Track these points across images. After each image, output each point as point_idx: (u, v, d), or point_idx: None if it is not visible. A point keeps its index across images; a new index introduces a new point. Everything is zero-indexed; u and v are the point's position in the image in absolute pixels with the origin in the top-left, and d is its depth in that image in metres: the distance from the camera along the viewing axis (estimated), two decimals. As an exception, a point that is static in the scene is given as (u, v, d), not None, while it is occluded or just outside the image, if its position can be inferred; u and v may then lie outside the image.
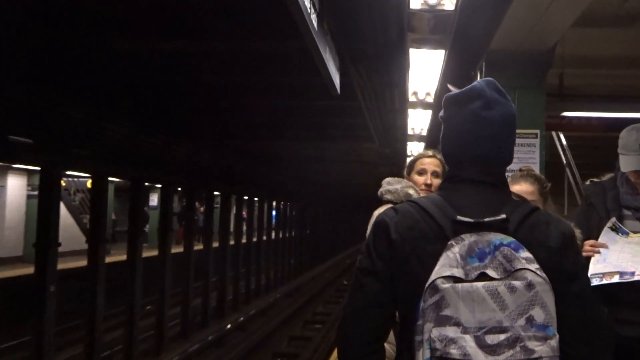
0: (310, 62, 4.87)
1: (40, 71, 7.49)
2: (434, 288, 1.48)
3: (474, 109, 1.69)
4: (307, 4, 4.02)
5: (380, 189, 3.41)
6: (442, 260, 1.52)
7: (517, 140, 4.73)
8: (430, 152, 3.43)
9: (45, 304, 8.93)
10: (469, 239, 1.54)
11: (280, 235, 25.22)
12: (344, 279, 26.34)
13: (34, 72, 7.49)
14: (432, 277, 1.50)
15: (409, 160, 3.54)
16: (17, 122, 7.99)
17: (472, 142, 1.69)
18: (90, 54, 6.74)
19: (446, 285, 1.48)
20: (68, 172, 14.61)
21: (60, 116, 8.51)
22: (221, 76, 7.74)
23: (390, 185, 3.37)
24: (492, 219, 1.57)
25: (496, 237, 1.54)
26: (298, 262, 27.16)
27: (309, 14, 4.09)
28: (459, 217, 1.59)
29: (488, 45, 4.64)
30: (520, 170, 3.14)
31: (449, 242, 1.55)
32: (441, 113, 1.77)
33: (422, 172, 3.36)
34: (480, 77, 4.85)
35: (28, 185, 17.25)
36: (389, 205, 3.43)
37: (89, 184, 16.25)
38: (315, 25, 4.35)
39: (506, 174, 1.81)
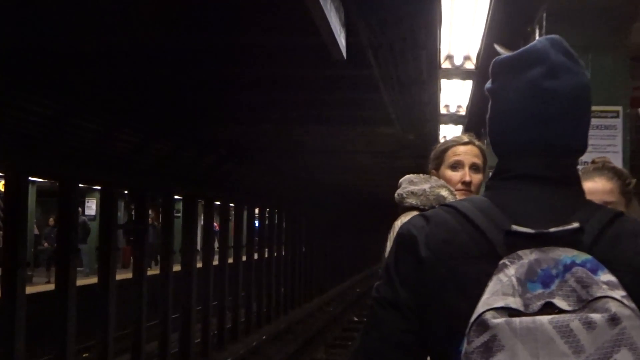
0: (304, 15, 4.84)
1: None
2: (482, 324, 1.43)
3: (533, 78, 1.66)
4: None
5: (399, 191, 3.37)
6: (492, 285, 1.47)
7: (592, 121, 4.73)
8: (465, 138, 3.37)
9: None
10: (528, 256, 1.50)
11: (266, 255, 25.20)
12: (353, 315, 26.39)
13: None
14: (479, 309, 1.45)
15: (436, 149, 3.47)
16: None
17: (531, 123, 1.66)
18: None
19: (499, 320, 1.43)
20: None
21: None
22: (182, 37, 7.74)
23: (414, 184, 3.33)
24: (561, 229, 1.52)
25: (566, 255, 1.49)
26: (290, 291, 27.15)
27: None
28: (515, 227, 1.54)
29: (551, -10, 4.60)
30: (594, 162, 3.10)
31: (502, 262, 1.50)
32: (488, 84, 1.73)
33: (456, 166, 3.33)
34: (540, 35, 4.80)
35: None
36: (414, 213, 3.39)
37: (0, 185, 16.24)
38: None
39: (578, 167, 1.78)
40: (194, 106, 11.61)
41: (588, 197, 2.81)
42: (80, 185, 13.27)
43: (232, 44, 8.11)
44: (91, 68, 9.18)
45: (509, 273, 1.47)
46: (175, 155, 14.73)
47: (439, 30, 6.15)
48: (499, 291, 1.46)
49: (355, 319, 25.54)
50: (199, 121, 12.99)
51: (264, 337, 20.62)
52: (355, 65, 7.05)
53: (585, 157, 4.48)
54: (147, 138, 13.14)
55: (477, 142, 3.34)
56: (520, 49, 1.70)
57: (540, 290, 1.46)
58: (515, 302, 1.44)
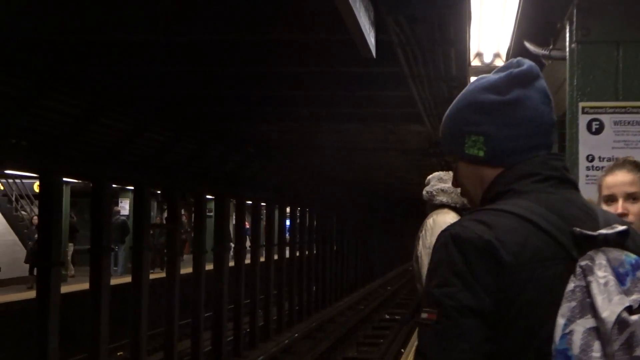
0: (333, 13, 4.82)
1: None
2: (623, 323, 1.47)
3: (542, 88, 1.75)
4: None
5: (428, 188, 3.35)
6: (597, 287, 1.51)
7: (622, 117, 4.66)
8: None
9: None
10: (600, 258, 1.54)
11: (297, 253, 25.19)
12: (385, 312, 26.29)
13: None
14: (615, 309, 1.48)
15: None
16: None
17: (547, 128, 1.75)
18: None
19: (635, 317, 1.48)
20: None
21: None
22: (206, 33, 7.73)
23: (444, 182, 3.31)
24: (614, 231, 1.58)
25: (624, 255, 1.56)
26: (321, 290, 27.11)
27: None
28: (579, 230, 1.59)
29: (581, -14, 4.54)
30: (616, 160, 3.07)
31: (580, 263, 1.54)
32: (497, 96, 1.76)
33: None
34: (571, 29, 4.74)
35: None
36: (446, 211, 3.38)
37: (36, 186, 16.41)
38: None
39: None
40: (223, 104, 11.61)
41: (610, 190, 2.87)
42: (113, 185, 13.33)
43: (261, 41, 8.10)
44: (120, 67, 9.21)
45: (601, 274, 1.51)
46: (205, 154, 14.77)
47: (468, 27, 6.09)
48: (614, 291, 1.50)
49: (387, 316, 25.44)
50: (227, 119, 12.98)
51: (296, 335, 20.60)
52: (384, 62, 7.02)
53: (618, 153, 4.45)
54: (176, 137, 13.19)
55: None
56: (518, 68, 1.76)
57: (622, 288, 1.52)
58: (632, 301, 1.50)
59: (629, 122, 4.59)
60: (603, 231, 1.57)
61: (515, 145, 1.74)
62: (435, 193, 3.32)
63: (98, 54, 8.68)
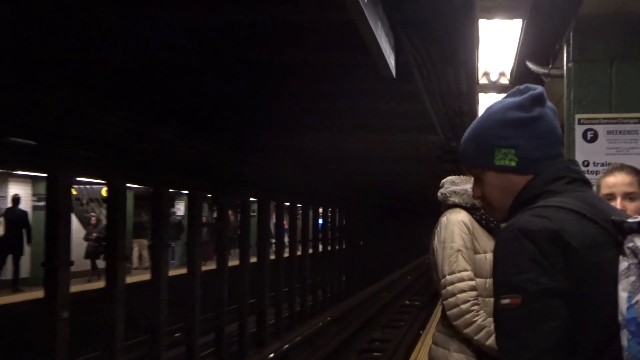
0: (357, 37, 4.77)
1: (52, 67, 7.66)
2: None
3: (552, 106, 1.85)
4: (353, -32, 3.92)
5: (442, 190, 3.29)
6: None
7: (615, 127, 4.59)
8: None
9: (56, 333, 9.01)
10: (637, 242, 1.60)
11: (329, 248, 25.23)
12: (406, 299, 26.23)
13: (46, 68, 7.66)
14: None
15: None
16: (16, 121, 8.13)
17: (560, 139, 1.85)
18: (82, 27, 6.83)
19: None
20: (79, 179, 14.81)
21: (60, 112, 8.64)
22: (246, 55, 7.68)
23: (456, 185, 3.26)
24: (636, 220, 1.64)
25: None
26: (349, 280, 27.11)
27: (356, -20, 3.99)
28: (617, 219, 1.67)
29: (577, 10, 4.44)
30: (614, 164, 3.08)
31: (626, 246, 1.60)
32: (521, 113, 1.81)
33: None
34: (568, 50, 4.65)
35: (33, 195, 17.59)
36: (458, 210, 3.32)
37: (104, 191, 16.54)
38: (364, -7, 4.25)
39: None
40: (260, 117, 11.59)
41: (610, 189, 2.95)
42: (169, 190, 13.38)
43: (303, 63, 8.07)
44: (170, 87, 9.23)
45: None
46: (248, 163, 14.80)
47: (476, 49, 6.02)
48: None
49: (407, 302, 25.38)
50: (266, 133, 12.97)
51: (328, 318, 20.56)
52: (403, 81, 6.93)
53: (609, 159, 4.40)
54: (222, 149, 13.21)
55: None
56: (534, 90, 1.84)
57: None
58: None
59: (620, 132, 4.60)
60: (630, 220, 1.64)
61: (541, 154, 1.79)
62: (448, 194, 3.28)
63: (150, 76, 8.70)
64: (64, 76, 8.13)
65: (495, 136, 1.80)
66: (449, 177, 3.34)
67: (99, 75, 8.39)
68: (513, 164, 1.78)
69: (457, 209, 3.23)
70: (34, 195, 17.59)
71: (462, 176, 3.33)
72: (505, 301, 1.61)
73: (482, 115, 1.90)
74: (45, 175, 9.65)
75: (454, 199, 3.24)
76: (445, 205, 3.28)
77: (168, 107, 10.20)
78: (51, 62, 7.67)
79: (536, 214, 1.67)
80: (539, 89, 1.83)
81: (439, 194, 3.30)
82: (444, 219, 3.23)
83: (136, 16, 6.32)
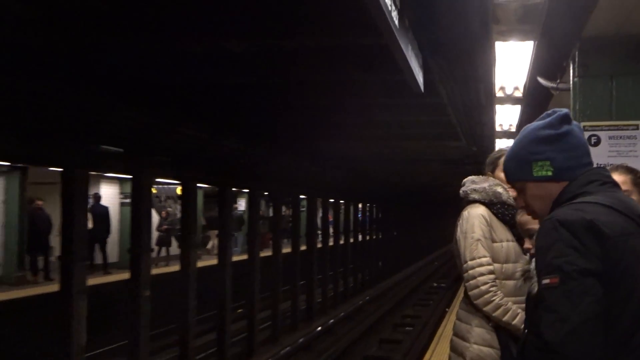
0: (391, 59, 4.75)
1: (131, 88, 7.77)
2: None
3: (577, 123, 1.89)
4: (388, 0, 3.91)
5: (463, 188, 3.27)
6: None
7: (615, 133, 4.51)
8: None
9: (140, 308, 9.17)
10: None
11: (367, 238, 25.20)
12: (434, 282, 26.06)
13: (127, 90, 7.78)
14: None
15: (491, 156, 3.36)
16: (107, 132, 8.27)
17: (588, 150, 1.87)
18: (163, 58, 6.91)
19: None
20: (157, 180, 15.02)
21: (143, 125, 8.76)
22: (296, 75, 7.71)
23: (476, 184, 3.23)
24: None
25: None
26: (384, 265, 27.04)
27: (390, 11, 3.98)
28: None
29: (581, 33, 4.37)
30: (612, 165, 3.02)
31: None
32: (551, 132, 1.85)
33: None
34: (574, 67, 4.58)
35: (120, 193, 17.90)
36: (477, 205, 3.30)
37: (178, 190, 16.76)
38: (396, 22, 4.23)
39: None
40: (310, 129, 11.62)
41: None
42: (233, 189, 13.49)
43: (339, 80, 8.08)
44: (232, 101, 9.31)
45: None
46: (299, 167, 14.86)
47: (493, 67, 5.96)
48: None
49: (434, 284, 25.19)
50: (314, 141, 13.01)
51: (367, 298, 20.52)
52: (430, 95, 6.90)
53: (612, 160, 4.33)
54: (277, 154, 13.28)
55: None
56: (561, 112, 1.88)
57: None
58: None
59: (620, 137, 4.57)
60: None
61: (574, 163, 1.83)
62: (469, 192, 3.26)
63: (217, 94, 8.78)
64: (146, 96, 8.24)
65: (531, 152, 1.84)
66: (470, 177, 3.32)
67: (174, 95, 8.50)
68: (549, 173, 1.81)
69: (477, 204, 3.21)
70: (121, 193, 17.89)
71: (481, 176, 3.31)
72: (546, 281, 1.61)
73: (518, 138, 1.94)
74: (131, 177, 9.78)
75: (474, 196, 3.21)
76: (467, 201, 3.25)
77: (232, 121, 10.29)
78: (135, 84, 7.79)
79: (572, 208, 1.69)
80: (565, 110, 1.87)
81: (461, 191, 3.28)
82: (465, 213, 3.20)
83: (207, 46, 6.38)
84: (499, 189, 3.17)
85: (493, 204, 3.17)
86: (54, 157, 7.99)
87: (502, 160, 3.24)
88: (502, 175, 3.22)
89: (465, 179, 3.29)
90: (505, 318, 2.98)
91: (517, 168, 1.89)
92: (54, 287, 9.37)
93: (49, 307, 9.50)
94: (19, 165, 13.34)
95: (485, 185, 3.19)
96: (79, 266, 7.99)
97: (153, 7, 5.55)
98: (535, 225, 2.51)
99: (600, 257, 1.58)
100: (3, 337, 10.01)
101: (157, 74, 7.41)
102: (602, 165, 4.43)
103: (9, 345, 10.10)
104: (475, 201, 3.20)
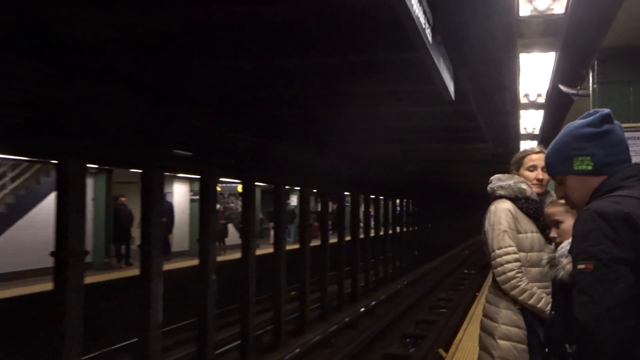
0: (425, 71, 4.68)
1: (199, 100, 7.89)
2: None
3: (619, 123, 1.81)
4: (422, 20, 3.86)
5: (491, 185, 3.21)
6: None
7: (632, 134, 4.34)
8: (537, 149, 3.20)
9: (207, 290, 9.29)
10: None
11: (405, 230, 25.03)
12: (465, 268, 25.73)
13: (196, 102, 7.90)
14: None
15: (516, 156, 3.27)
16: (178, 138, 8.40)
17: (627, 148, 1.80)
18: (226, 75, 6.98)
19: None
20: (221, 179, 15.21)
21: (209, 131, 8.86)
22: (342, 87, 7.69)
23: (502, 181, 3.17)
24: None
25: None
26: (420, 254, 26.81)
27: (424, 29, 3.92)
28: None
29: (600, 44, 4.22)
30: None
31: None
32: (593, 130, 1.78)
33: (532, 168, 3.13)
34: (593, 75, 4.43)
35: (190, 191, 18.20)
36: (503, 200, 3.23)
37: (239, 188, 16.94)
38: (430, 39, 4.17)
39: None
40: (354, 135, 11.59)
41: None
42: (286, 187, 13.56)
43: (379, 91, 8.03)
44: (287, 112, 9.35)
45: None
46: (340, 167, 14.85)
47: (518, 76, 5.81)
48: None
49: (465, 271, 24.87)
50: (355, 145, 12.99)
51: (405, 282, 20.38)
52: (460, 102, 6.79)
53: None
54: (322, 157, 13.29)
55: (545, 151, 3.16)
56: (603, 112, 1.81)
57: None
58: None
59: (637, 138, 4.39)
60: None
61: (613, 159, 1.76)
62: (496, 188, 3.20)
63: (271, 105, 8.84)
64: (211, 107, 8.36)
65: (573, 148, 1.79)
66: (496, 175, 3.26)
67: (235, 106, 8.59)
68: (589, 168, 1.76)
69: (503, 200, 3.15)
70: (190, 191, 18.18)
71: (506, 174, 3.24)
72: (581, 266, 1.57)
73: (561, 134, 1.88)
74: (198, 177, 9.93)
75: (501, 192, 3.16)
76: (494, 197, 3.20)
77: (285, 128, 10.35)
78: (203, 97, 7.90)
79: (610, 200, 1.64)
80: (607, 110, 1.82)
81: (488, 188, 3.22)
82: (493, 207, 3.15)
83: (257, 63, 6.40)
84: (523, 186, 3.10)
85: (518, 199, 3.11)
86: (134, 160, 8.15)
87: (527, 159, 3.16)
88: (526, 173, 3.15)
89: (493, 177, 3.23)
90: (531, 301, 2.92)
91: (559, 162, 1.84)
92: (134, 272, 9.55)
93: (130, 288, 9.71)
94: (105, 167, 13.69)
95: (511, 182, 3.12)
96: (155, 253, 8.14)
97: (223, 36, 5.62)
98: (561, 216, 2.43)
99: (634, 247, 1.52)
100: (97, 312, 10.29)
101: (222, 89, 7.50)
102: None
103: (100, 318, 10.42)
104: (501, 197, 3.14)
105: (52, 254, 6.63)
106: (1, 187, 12.22)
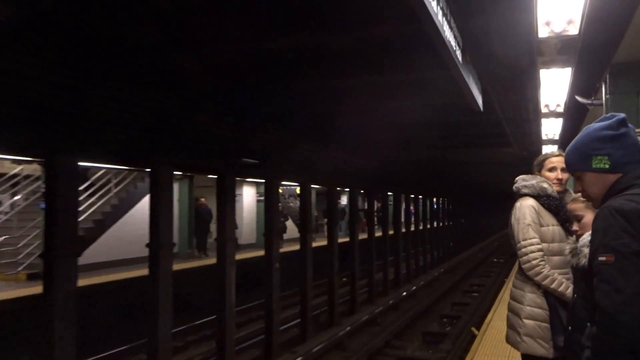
0: (456, 86, 4.68)
1: (265, 117, 8.07)
2: None
3: (632, 126, 1.78)
4: (453, 43, 3.88)
5: (516, 185, 3.20)
6: None
7: (641, 139, 4.22)
8: (557, 152, 3.17)
9: (272, 277, 9.44)
10: None
11: (441, 224, 24.69)
12: (494, 258, 25.15)
13: (262, 119, 8.09)
14: None
15: (538, 159, 3.25)
16: (247, 148, 8.59)
17: (639, 149, 1.75)
18: (290, 94, 7.11)
19: None
20: (283, 182, 15.43)
21: (272, 142, 9.01)
22: (385, 103, 7.70)
23: (526, 181, 3.16)
24: None
25: None
26: (455, 245, 26.36)
27: (454, 51, 3.94)
28: None
29: (611, 60, 4.13)
30: None
31: None
32: (611, 132, 1.74)
33: (552, 170, 3.10)
34: (605, 87, 4.34)
35: (257, 193, 18.53)
36: (528, 198, 3.22)
37: (298, 190, 17.12)
38: (460, 59, 4.17)
39: None
40: (394, 141, 11.53)
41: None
42: (337, 188, 13.64)
43: (419, 104, 7.99)
44: (337, 123, 9.42)
45: None
46: (386, 170, 14.78)
47: (539, 89, 5.72)
48: None
49: (494, 260, 24.30)
50: (403, 149, 12.91)
51: (441, 270, 20.12)
52: (487, 113, 6.71)
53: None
54: (371, 162, 13.27)
55: (563, 154, 3.14)
56: (620, 116, 1.75)
57: None
58: None
59: None
60: None
61: (628, 159, 1.72)
62: (520, 187, 3.18)
63: (329, 119, 8.89)
64: (277, 122, 8.50)
65: (592, 148, 1.75)
66: (521, 176, 3.24)
67: (295, 120, 8.70)
68: (607, 166, 1.72)
69: (527, 197, 3.14)
70: (257, 193, 18.50)
71: (529, 175, 3.22)
72: (602, 258, 1.54)
73: (581, 134, 1.83)
74: (263, 181, 10.09)
75: (525, 191, 3.15)
76: (519, 195, 3.18)
77: (338, 138, 10.37)
78: (268, 114, 8.05)
79: (626, 198, 1.60)
80: (622, 115, 1.78)
81: (514, 187, 3.21)
82: (518, 204, 3.14)
83: (316, 84, 6.51)
84: (545, 185, 3.08)
85: (540, 197, 3.09)
86: (212, 167, 8.39)
87: (547, 162, 3.14)
88: (547, 173, 3.13)
89: (517, 177, 3.22)
90: (553, 285, 2.90)
91: (578, 160, 1.79)
92: (212, 261, 9.83)
93: (209, 274, 9.99)
94: (188, 174, 14.13)
95: (534, 182, 3.10)
96: (229, 245, 8.34)
97: (290, 64, 5.76)
98: (581, 212, 2.42)
99: None
100: (187, 293, 10.71)
101: (286, 106, 7.64)
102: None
103: (191, 296, 10.83)
104: (525, 195, 3.13)
105: (147, 245, 6.92)
106: (108, 191, 12.81)
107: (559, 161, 3.08)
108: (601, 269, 1.55)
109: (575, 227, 2.50)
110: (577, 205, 2.46)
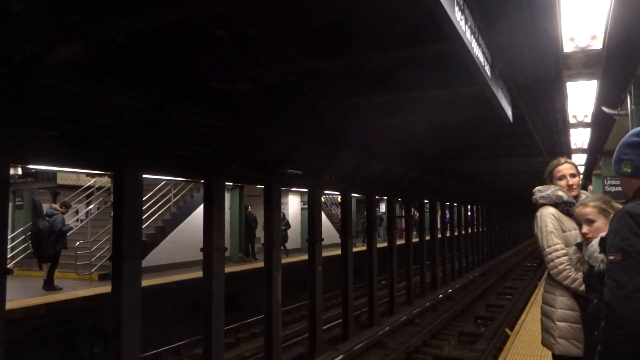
0: (487, 100, 4.66)
1: (308, 131, 8.17)
2: None
3: None
4: (482, 59, 3.87)
5: (534, 197, 3.19)
6: None
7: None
8: (562, 160, 3.14)
9: (315, 279, 9.48)
10: None
11: (476, 230, 24.18)
12: (527, 262, 24.38)
13: (306, 132, 8.20)
14: None
15: (546, 170, 3.22)
16: (292, 160, 8.70)
17: None
18: (331, 110, 7.19)
19: None
20: (325, 191, 15.50)
21: (315, 154, 9.11)
22: (421, 117, 7.68)
23: (542, 192, 3.15)
24: None
25: None
26: (489, 249, 25.72)
27: (484, 67, 3.93)
28: None
29: (635, 72, 4.03)
30: None
31: None
32: (636, 139, 1.73)
33: (562, 178, 3.09)
34: (630, 98, 4.22)
35: (301, 201, 18.69)
36: (547, 206, 3.18)
37: (338, 199, 17.16)
38: (489, 74, 4.16)
39: None
40: (430, 152, 11.44)
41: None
42: (376, 197, 13.59)
43: (452, 118, 7.94)
44: (376, 136, 9.41)
45: None
46: (423, 178, 14.64)
47: (566, 101, 5.60)
48: None
49: (528, 264, 23.56)
50: (438, 161, 12.81)
51: (476, 274, 19.67)
52: (518, 124, 6.61)
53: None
54: (409, 172, 13.16)
55: (569, 160, 3.11)
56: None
57: None
58: None
59: None
60: None
61: None
62: (538, 198, 3.19)
63: (363, 132, 8.92)
64: (319, 135, 8.60)
65: (622, 152, 1.76)
66: (537, 187, 3.23)
67: (336, 134, 8.78)
68: (629, 170, 1.72)
69: (547, 206, 3.11)
70: (301, 201, 18.66)
71: (544, 185, 3.18)
72: (612, 257, 1.56)
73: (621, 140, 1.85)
74: (307, 190, 10.18)
75: (543, 201, 3.14)
76: (538, 205, 3.17)
77: (376, 150, 10.36)
78: (312, 128, 8.16)
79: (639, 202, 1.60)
80: None
81: (532, 199, 3.20)
82: (539, 214, 3.14)
83: (356, 100, 6.57)
84: (560, 193, 3.05)
85: (558, 204, 3.07)
86: (260, 178, 8.56)
87: (554, 171, 3.13)
88: (558, 182, 3.09)
89: (534, 189, 3.20)
90: (581, 288, 2.85)
91: (615, 163, 1.81)
92: (260, 264, 9.99)
93: (258, 276, 10.17)
94: (238, 184, 14.43)
95: (549, 192, 3.08)
96: (275, 250, 8.45)
97: (332, 82, 5.88)
98: (593, 216, 2.38)
99: None
100: (240, 292, 10.92)
101: (330, 121, 7.74)
102: None
103: (244, 295, 11.03)
104: (544, 204, 3.11)
105: (201, 249, 7.12)
106: (168, 201, 13.25)
107: (565, 169, 3.06)
108: (610, 267, 1.58)
109: (584, 229, 2.47)
110: (588, 209, 2.43)
